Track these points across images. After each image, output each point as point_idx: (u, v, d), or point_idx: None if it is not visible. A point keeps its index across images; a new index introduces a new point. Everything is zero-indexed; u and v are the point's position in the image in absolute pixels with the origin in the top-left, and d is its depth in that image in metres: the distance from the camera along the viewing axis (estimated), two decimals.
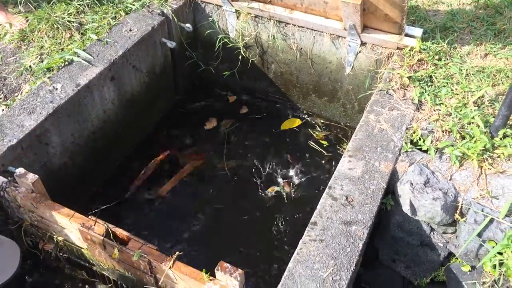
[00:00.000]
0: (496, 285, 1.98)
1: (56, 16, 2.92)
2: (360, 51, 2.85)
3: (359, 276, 2.44)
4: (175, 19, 3.05)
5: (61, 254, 2.31)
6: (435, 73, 2.55)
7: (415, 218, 2.06)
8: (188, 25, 3.12)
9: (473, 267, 2.06)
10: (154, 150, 3.16)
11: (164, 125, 3.35)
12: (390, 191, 2.16)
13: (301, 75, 3.24)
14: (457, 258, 2.11)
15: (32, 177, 2.05)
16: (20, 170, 2.07)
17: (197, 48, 3.36)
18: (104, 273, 2.24)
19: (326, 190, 2.05)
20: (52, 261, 2.42)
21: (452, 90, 2.46)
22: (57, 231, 2.15)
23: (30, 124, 2.29)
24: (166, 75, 3.22)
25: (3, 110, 2.50)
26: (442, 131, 2.25)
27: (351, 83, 3.05)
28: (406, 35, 2.67)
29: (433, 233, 2.11)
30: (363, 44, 2.81)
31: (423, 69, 2.58)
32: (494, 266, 1.91)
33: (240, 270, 1.74)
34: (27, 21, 2.94)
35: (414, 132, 2.27)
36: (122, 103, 2.86)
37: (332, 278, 1.75)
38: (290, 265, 1.80)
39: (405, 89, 2.51)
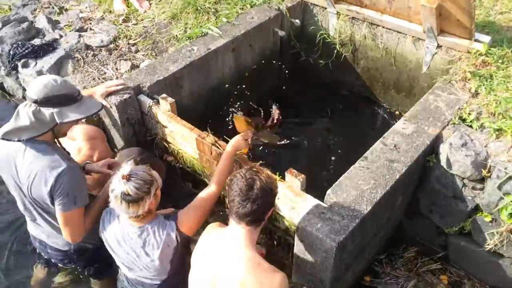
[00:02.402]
0: (510, 233, 2.41)
1: (199, 4, 3.87)
2: (436, 53, 3.38)
3: (401, 223, 2.95)
4: (288, 14, 3.85)
5: (177, 164, 3.14)
6: (496, 72, 3.01)
7: (450, 172, 2.56)
8: (297, 20, 3.90)
9: (493, 219, 2.50)
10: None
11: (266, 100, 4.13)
12: (435, 152, 2.68)
13: (384, 71, 3.84)
14: (482, 212, 2.55)
15: (170, 100, 2.91)
16: (163, 95, 2.95)
17: (301, 41, 4.11)
18: (205, 180, 3.02)
19: (380, 139, 2.64)
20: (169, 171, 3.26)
21: (507, 86, 2.90)
22: (179, 143, 2.98)
23: (173, 69, 3.19)
24: (273, 58, 4.01)
25: (150, 61, 3.46)
26: (488, 113, 2.73)
27: (426, 81, 3.57)
28: (476, 40, 3.16)
29: (465, 188, 2.58)
30: (439, 46, 3.34)
31: (486, 68, 3.06)
32: (510, 215, 2.36)
33: (302, 175, 2.39)
34: (150, 5, 4.00)
35: (464, 111, 2.77)
36: (237, 71, 3.70)
37: (370, 191, 2.33)
38: (341, 178, 2.42)
39: (466, 82, 3.01)
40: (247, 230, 2.02)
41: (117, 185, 2.14)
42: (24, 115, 2.16)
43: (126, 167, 2.18)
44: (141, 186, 2.14)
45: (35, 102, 2.16)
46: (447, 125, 2.71)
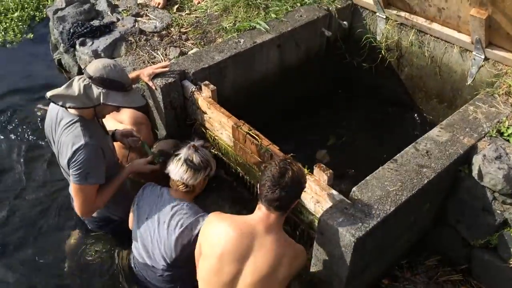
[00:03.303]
0: None
1: None
2: (482, 65, 3.33)
3: (427, 230, 2.94)
4: (336, 16, 3.89)
5: (213, 150, 3.26)
6: None
7: (481, 184, 2.54)
8: (345, 22, 3.93)
9: None
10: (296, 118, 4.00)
11: (308, 99, 4.19)
12: (468, 163, 2.66)
13: (428, 80, 3.81)
14: (510, 227, 2.52)
15: (212, 87, 3.03)
16: (205, 82, 3.08)
17: (347, 43, 4.14)
18: (237, 168, 3.12)
19: (413, 144, 2.65)
20: None
21: None
22: (216, 129, 3.10)
23: (218, 58, 3.31)
24: (318, 58, 4.07)
25: (197, 50, 3.60)
26: None
27: (469, 93, 3.51)
28: None
29: (494, 202, 2.54)
30: (486, 59, 3.30)
31: None
32: None
33: (330, 170, 2.44)
34: None
35: (503, 125, 2.73)
36: (280, 68, 3.78)
37: (396, 193, 2.35)
38: (367, 177, 2.45)
39: (509, 96, 2.96)
40: (276, 215, 2.18)
41: (185, 151, 2.56)
42: (76, 86, 2.33)
43: (198, 141, 2.68)
44: (203, 160, 2.57)
45: (90, 78, 2.34)
46: (484, 137, 2.68)
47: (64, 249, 3.08)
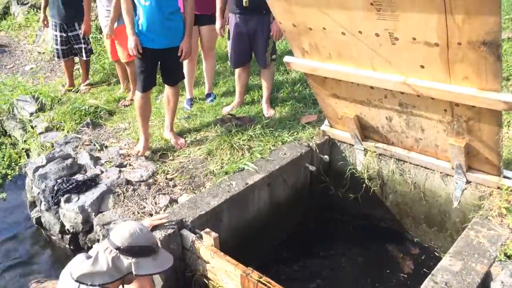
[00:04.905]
0: None
1: (234, 141, 4.12)
2: (465, 188, 3.50)
3: None
4: (317, 151, 4.07)
5: None
6: None
7: None
8: (326, 156, 4.10)
9: None
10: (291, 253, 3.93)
11: (298, 232, 4.16)
12: None
13: (414, 206, 3.92)
14: None
15: (214, 234, 2.95)
16: (206, 229, 3.00)
17: (330, 176, 4.27)
18: None
19: (429, 276, 2.62)
20: None
21: None
22: (221, 279, 2.94)
23: (214, 203, 3.28)
24: (304, 191, 4.14)
25: (188, 195, 3.57)
26: None
27: (457, 215, 3.63)
28: (505, 177, 3.29)
29: None
30: (468, 182, 3.48)
31: None
32: None
33: None
34: (186, 143, 4.29)
35: (507, 247, 2.79)
36: (272, 205, 3.79)
37: None
38: None
39: (502, 217, 3.08)
40: None
41: None
42: (103, 260, 2.20)
43: None
44: None
45: (118, 249, 2.23)
46: (494, 262, 2.71)
47: None
